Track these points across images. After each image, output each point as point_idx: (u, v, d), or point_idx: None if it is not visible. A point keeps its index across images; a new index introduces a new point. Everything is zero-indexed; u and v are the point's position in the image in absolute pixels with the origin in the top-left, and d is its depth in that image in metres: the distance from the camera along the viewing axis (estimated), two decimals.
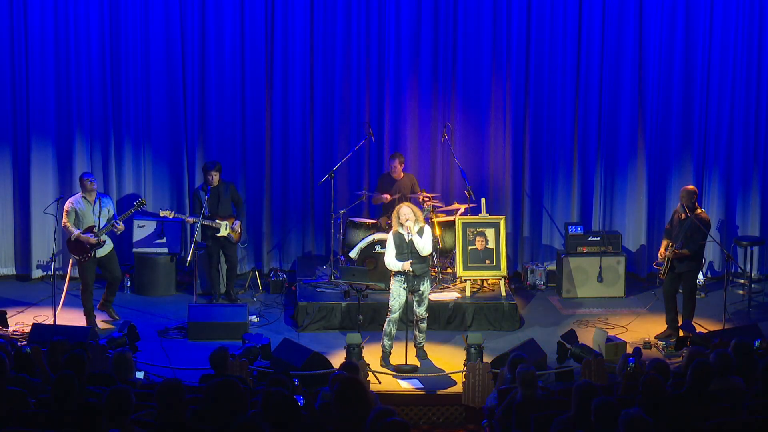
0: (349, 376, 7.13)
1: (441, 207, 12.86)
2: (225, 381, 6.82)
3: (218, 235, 12.31)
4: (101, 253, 11.67)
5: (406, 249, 10.41)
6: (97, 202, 11.67)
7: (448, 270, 12.80)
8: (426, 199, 12.55)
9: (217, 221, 12.27)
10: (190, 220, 12.28)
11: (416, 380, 10.29)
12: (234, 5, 13.36)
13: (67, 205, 11.72)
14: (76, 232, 11.53)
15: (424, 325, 10.73)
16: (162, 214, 12.26)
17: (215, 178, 12.26)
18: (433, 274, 12.35)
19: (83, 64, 13.26)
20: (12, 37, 13.15)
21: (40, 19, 13.13)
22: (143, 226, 13.03)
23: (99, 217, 11.62)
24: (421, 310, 10.62)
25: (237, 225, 12.36)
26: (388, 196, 12.72)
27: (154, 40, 13.35)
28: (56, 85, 13.27)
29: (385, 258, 10.58)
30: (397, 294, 10.50)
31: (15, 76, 13.22)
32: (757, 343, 9.51)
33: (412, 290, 10.51)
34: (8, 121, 13.31)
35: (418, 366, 10.54)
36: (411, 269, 10.35)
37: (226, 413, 6.62)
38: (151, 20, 13.31)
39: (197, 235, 12.55)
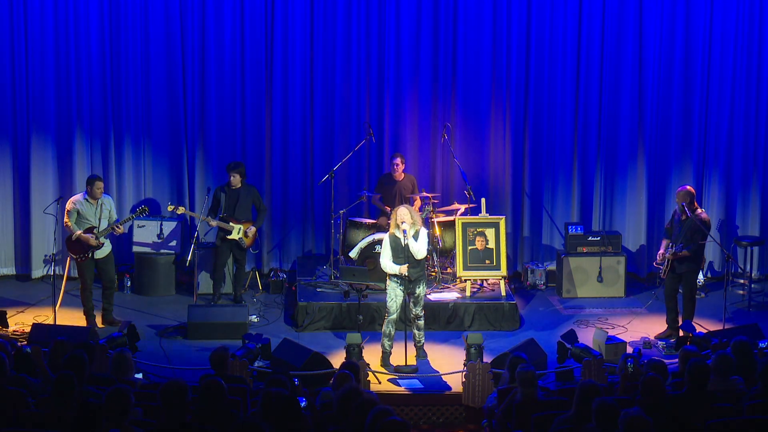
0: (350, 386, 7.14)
1: (439, 208, 12.87)
2: (209, 381, 6.85)
3: (229, 237, 12.27)
4: (99, 254, 11.65)
5: (401, 252, 10.40)
6: (100, 203, 11.63)
7: (448, 270, 12.80)
8: (425, 200, 12.54)
9: (231, 224, 12.23)
10: (202, 218, 12.22)
11: (416, 381, 10.29)
12: (234, 4, 13.36)
13: (69, 204, 11.68)
14: (77, 231, 11.53)
15: (421, 323, 10.73)
16: (170, 208, 12.22)
17: (236, 179, 12.22)
18: (434, 274, 12.36)
19: (83, 62, 13.26)
20: (12, 36, 13.14)
21: (40, 17, 13.12)
22: (143, 226, 13.02)
23: (100, 219, 11.60)
24: (417, 310, 10.63)
25: (250, 231, 12.29)
26: (389, 209, 12.72)
27: (154, 38, 13.35)
28: (56, 84, 13.26)
29: (381, 260, 10.56)
30: (394, 295, 10.49)
31: (15, 75, 13.21)
32: (764, 344, 9.51)
33: (407, 293, 10.51)
34: (8, 120, 13.31)
35: (418, 367, 10.54)
36: (407, 274, 10.34)
37: (210, 411, 6.65)
38: (151, 19, 13.31)
39: (198, 234, 12.54)
